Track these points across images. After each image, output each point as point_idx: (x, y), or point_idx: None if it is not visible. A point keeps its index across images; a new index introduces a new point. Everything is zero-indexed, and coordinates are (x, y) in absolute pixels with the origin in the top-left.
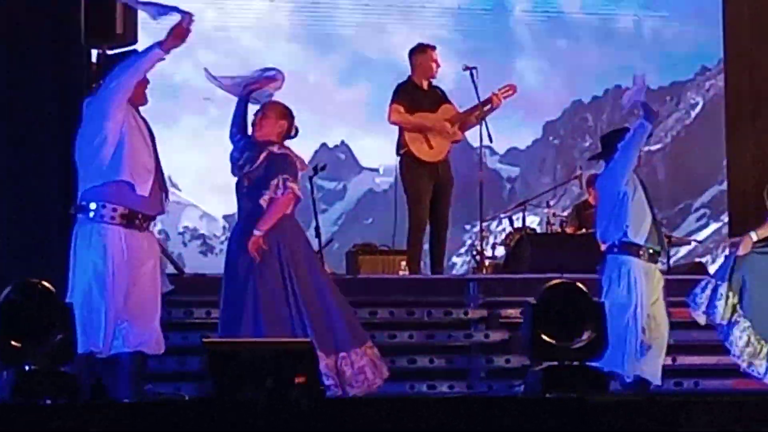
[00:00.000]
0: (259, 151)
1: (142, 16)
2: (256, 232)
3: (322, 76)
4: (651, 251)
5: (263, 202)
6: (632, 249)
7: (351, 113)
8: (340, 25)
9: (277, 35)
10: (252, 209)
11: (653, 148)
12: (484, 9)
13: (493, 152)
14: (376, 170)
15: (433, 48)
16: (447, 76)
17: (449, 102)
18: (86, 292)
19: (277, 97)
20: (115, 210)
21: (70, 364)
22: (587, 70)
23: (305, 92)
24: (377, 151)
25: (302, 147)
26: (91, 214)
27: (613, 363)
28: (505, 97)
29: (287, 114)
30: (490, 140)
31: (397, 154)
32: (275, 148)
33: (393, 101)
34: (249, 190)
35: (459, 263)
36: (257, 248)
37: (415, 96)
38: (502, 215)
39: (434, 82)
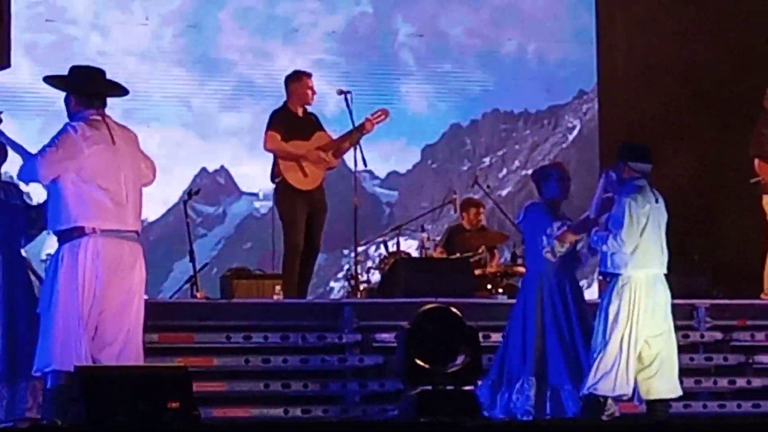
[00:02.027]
0: None
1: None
2: None
3: (206, 100)
4: None
5: None
6: None
7: (234, 138)
8: (224, 49)
9: (161, 59)
10: None
11: (530, 171)
12: (368, 33)
13: (374, 176)
14: (256, 195)
15: (309, 75)
16: (330, 100)
17: (323, 129)
18: None
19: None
20: None
21: None
22: (471, 93)
23: (189, 117)
24: (257, 176)
25: (182, 171)
26: None
27: None
28: (377, 122)
29: None
30: (365, 164)
31: (272, 181)
32: None
33: (269, 128)
34: None
35: (337, 288)
36: None
37: (290, 123)
38: (377, 240)
39: (315, 105)
